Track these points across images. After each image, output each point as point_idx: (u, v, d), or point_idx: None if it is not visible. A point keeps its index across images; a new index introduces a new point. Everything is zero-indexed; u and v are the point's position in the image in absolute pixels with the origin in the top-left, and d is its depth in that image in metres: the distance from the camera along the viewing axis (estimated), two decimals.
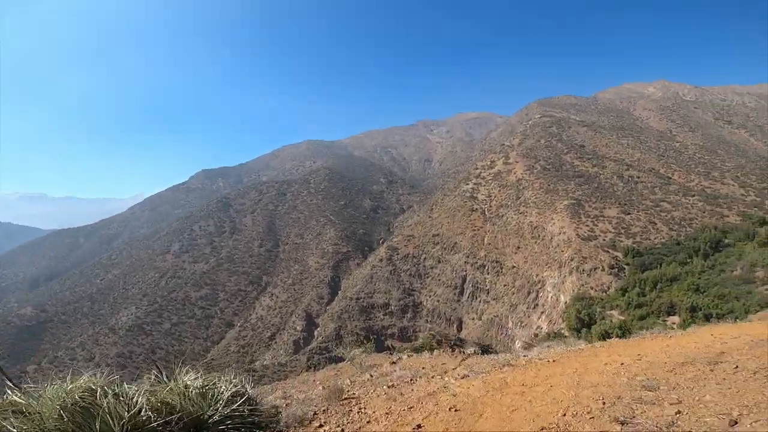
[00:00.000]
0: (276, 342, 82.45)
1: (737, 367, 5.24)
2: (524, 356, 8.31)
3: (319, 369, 15.39)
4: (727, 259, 66.78)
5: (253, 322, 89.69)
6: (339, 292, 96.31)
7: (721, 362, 5.57)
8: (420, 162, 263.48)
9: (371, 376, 7.62)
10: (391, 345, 68.99)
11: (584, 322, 71.51)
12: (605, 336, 69.46)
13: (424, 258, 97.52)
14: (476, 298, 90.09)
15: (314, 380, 10.43)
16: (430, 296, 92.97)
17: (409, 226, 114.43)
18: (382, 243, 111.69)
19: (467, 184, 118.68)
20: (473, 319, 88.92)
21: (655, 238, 77.46)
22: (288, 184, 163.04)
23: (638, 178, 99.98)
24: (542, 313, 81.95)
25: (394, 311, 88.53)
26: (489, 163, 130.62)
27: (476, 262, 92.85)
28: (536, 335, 77.53)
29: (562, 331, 74.93)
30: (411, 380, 6.70)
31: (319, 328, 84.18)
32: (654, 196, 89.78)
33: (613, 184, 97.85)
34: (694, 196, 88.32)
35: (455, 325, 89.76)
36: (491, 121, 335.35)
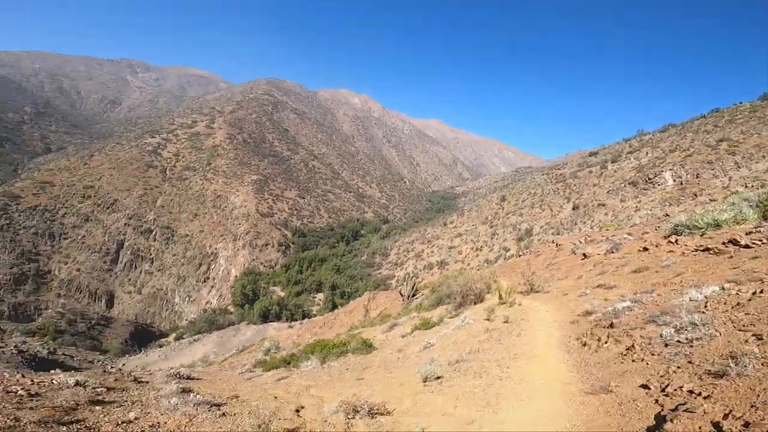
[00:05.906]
0: None
1: None
2: None
3: None
4: (360, 246, 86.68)
5: None
6: None
7: None
8: (101, 102, 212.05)
9: None
10: None
11: (248, 297, 73.23)
12: (265, 313, 68.56)
13: (65, 214, 77.63)
14: (136, 268, 79.57)
15: None
16: (66, 263, 74.90)
17: (49, 170, 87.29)
18: None
19: (154, 137, 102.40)
20: (130, 292, 78.12)
21: (317, 222, 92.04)
22: None
23: (318, 169, 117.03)
24: (212, 287, 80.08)
25: (1, 282, 64.91)
26: (190, 122, 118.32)
27: (141, 226, 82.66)
28: (205, 311, 73.56)
29: (229, 308, 74.19)
30: None
31: None
32: (325, 186, 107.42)
33: (298, 170, 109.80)
34: (351, 192, 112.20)
35: (103, 300, 76.41)
36: (215, 84, 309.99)
